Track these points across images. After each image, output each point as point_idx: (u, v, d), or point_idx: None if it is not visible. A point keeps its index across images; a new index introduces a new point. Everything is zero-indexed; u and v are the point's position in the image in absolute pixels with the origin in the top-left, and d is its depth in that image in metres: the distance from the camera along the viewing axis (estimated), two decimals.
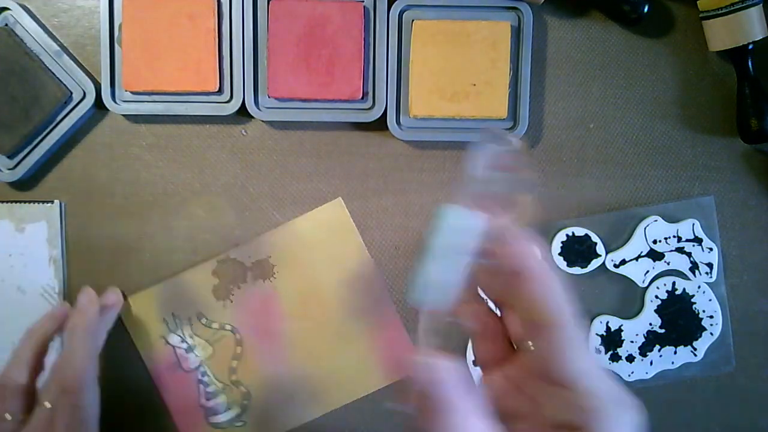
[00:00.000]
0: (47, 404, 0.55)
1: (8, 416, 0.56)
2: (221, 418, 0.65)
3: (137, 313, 0.64)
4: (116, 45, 0.61)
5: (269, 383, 0.65)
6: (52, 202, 0.63)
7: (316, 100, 0.62)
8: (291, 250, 0.64)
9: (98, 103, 0.62)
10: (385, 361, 0.65)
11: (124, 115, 0.63)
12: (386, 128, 0.62)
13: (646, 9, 0.59)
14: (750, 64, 0.60)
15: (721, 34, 0.59)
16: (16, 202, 0.64)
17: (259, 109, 0.62)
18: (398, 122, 0.62)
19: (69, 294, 0.64)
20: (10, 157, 0.62)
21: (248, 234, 0.64)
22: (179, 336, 0.65)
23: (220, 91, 0.61)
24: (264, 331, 0.65)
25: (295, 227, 0.64)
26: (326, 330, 0.65)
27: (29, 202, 0.64)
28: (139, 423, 0.64)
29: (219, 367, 0.65)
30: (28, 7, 0.62)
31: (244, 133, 0.64)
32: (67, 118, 0.61)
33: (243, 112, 0.62)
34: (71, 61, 0.61)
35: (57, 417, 0.54)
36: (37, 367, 0.58)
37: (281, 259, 0.64)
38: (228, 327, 0.65)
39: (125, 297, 0.64)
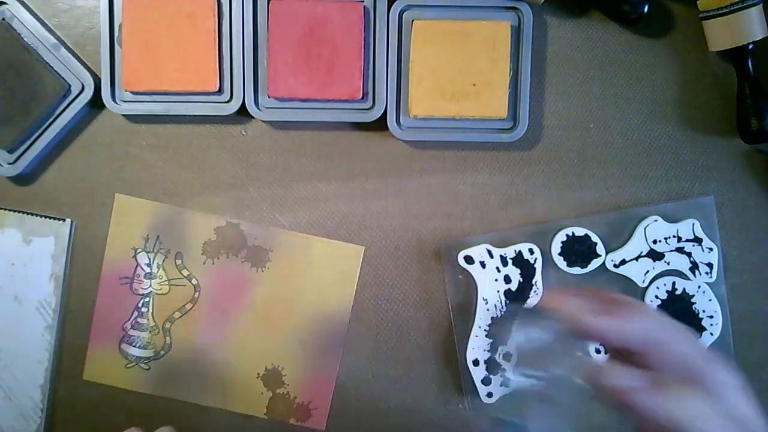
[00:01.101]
0: None
1: None
2: (132, 350, 0.65)
3: (129, 213, 0.64)
4: (116, 45, 0.61)
5: (193, 350, 0.65)
6: (64, 220, 0.63)
7: (316, 100, 0.62)
8: (292, 259, 0.64)
9: (98, 102, 0.61)
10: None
11: (124, 115, 0.63)
12: (386, 128, 0.62)
13: (646, 9, 0.60)
14: (750, 64, 0.60)
15: (721, 34, 0.59)
16: (27, 213, 0.64)
17: (259, 109, 0.62)
18: (398, 122, 0.62)
19: (65, 311, 0.64)
20: (10, 151, 0.62)
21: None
22: (149, 258, 0.64)
23: (220, 91, 0.61)
24: (221, 307, 0.65)
25: (310, 243, 0.64)
26: (271, 341, 0.65)
27: (41, 216, 0.64)
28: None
29: (162, 309, 0.65)
30: (25, 1, 0.62)
31: (245, 133, 0.64)
32: (66, 111, 0.61)
33: (243, 112, 0.62)
34: (69, 54, 0.61)
35: None
36: None
37: (280, 259, 0.64)
38: (194, 281, 0.65)
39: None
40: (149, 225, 0.64)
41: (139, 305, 0.65)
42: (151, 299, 0.64)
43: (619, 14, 0.61)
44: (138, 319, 0.65)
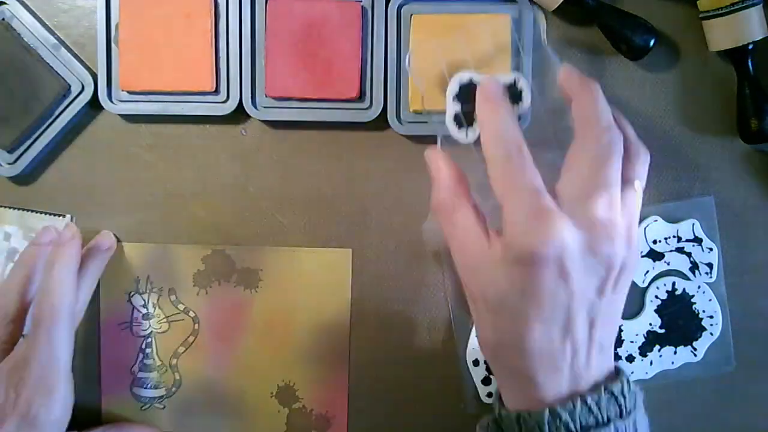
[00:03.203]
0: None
1: None
2: (144, 392, 0.65)
3: (116, 259, 0.64)
4: (113, 45, 0.61)
5: (203, 381, 0.65)
6: (64, 215, 0.64)
7: (313, 100, 0.62)
8: (283, 274, 0.65)
9: (98, 102, 0.62)
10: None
11: (121, 116, 0.63)
12: (386, 128, 0.62)
13: (651, 43, 0.60)
14: (750, 64, 0.59)
15: (721, 34, 0.59)
16: (27, 210, 0.64)
17: (256, 108, 0.62)
18: (398, 117, 0.62)
19: None
20: (10, 151, 0.62)
21: (248, 234, 0.65)
22: (143, 300, 0.65)
23: (217, 90, 0.61)
24: (223, 334, 0.65)
25: (297, 255, 0.64)
26: (278, 359, 0.65)
27: (40, 212, 0.64)
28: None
29: (165, 346, 0.65)
30: (25, 1, 0.62)
31: (245, 133, 0.64)
32: (66, 111, 0.62)
33: (242, 112, 0.62)
34: (69, 54, 0.61)
35: (30, 351, 0.54)
36: (26, 295, 0.58)
37: (270, 277, 0.65)
38: (192, 314, 0.65)
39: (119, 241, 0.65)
40: (137, 267, 0.65)
41: (143, 347, 0.65)
42: (153, 339, 0.65)
43: (626, 49, 0.61)
44: (144, 361, 0.65)
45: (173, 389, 0.66)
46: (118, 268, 0.64)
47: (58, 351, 0.54)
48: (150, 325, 0.65)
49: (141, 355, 0.65)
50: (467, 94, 0.53)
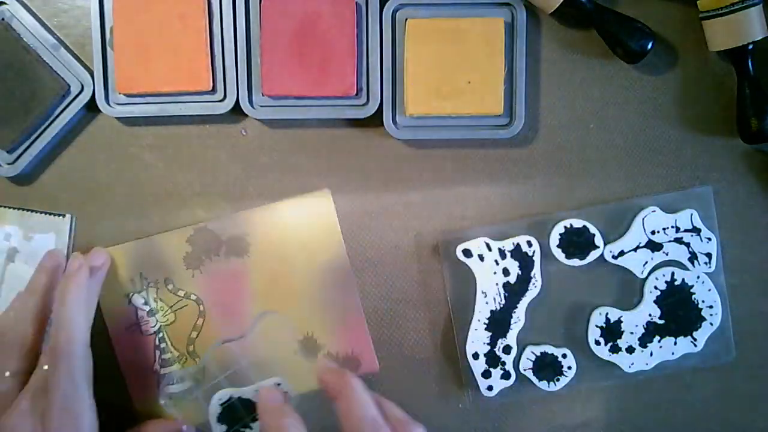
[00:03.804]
0: (46, 367, 0.55)
1: (7, 373, 0.57)
2: (173, 388, 0.65)
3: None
4: (108, 48, 0.61)
5: (225, 361, 0.65)
6: (64, 215, 0.64)
7: (310, 98, 0.62)
8: (269, 232, 0.64)
9: (95, 103, 0.62)
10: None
11: (119, 118, 0.64)
12: (383, 126, 0.62)
13: (649, 46, 0.60)
14: (750, 64, 0.59)
15: (721, 34, 0.59)
16: (27, 210, 0.64)
17: (253, 107, 0.62)
18: (394, 122, 0.62)
19: None
20: (10, 151, 0.62)
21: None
22: (143, 298, 0.65)
23: (213, 90, 0.62)
24: (229, 308, 0.65)
25: (277, 210, 0.64)
26: (290, 316, 0.65)
27: (40, 212, 0.64)
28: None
29: (177, 336, 0.65)
30: (25, 1, 0.62)
31: (244, 133, 0.64)
32: (65, 111, 0.62)
33: (240, 112, 0.62)
34: (69, 55, 0.62)
35: (52, 381, 0.54)
36: (41, 325, 0.59)
37: (258, 238, 0.64)
38: (193, 297, 0.65)
39: None
40: (127, 266, 0.65)
41: (157, 343, 0.65)
42: (164, 332, 0.65)
43: (623, 53, 0.61)
44: (162, 357, 0.65)
45: (198, 377, 0.65)
46: (110, 275, 0.64)
47: (78, 380, 0.55)
48: (157, 320, 0.65)
49: (158, 352, 0.65)
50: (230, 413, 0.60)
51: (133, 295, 0.65)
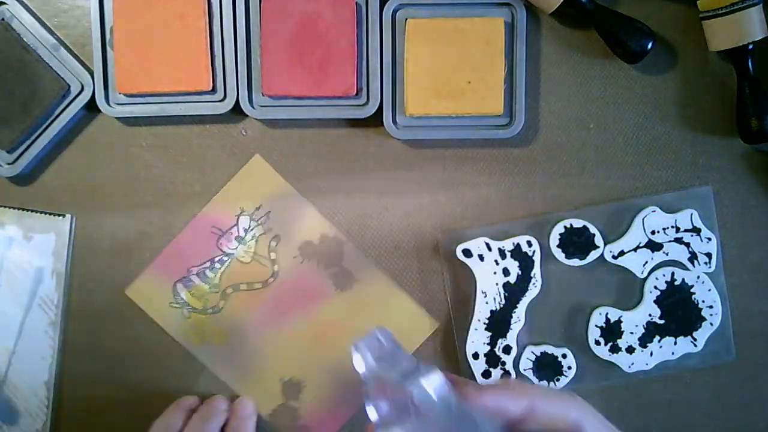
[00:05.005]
0: None
1: None
2: (184, 294, 0.65)
3: (257, 176, 0.64)
4: (108, 48, 0.62)
5: (237, 325, 0.65)
6: (64, 216, 0.64)
7: (310, 98, 0.62)
8: (372, 298, 0.65)
9: (95, 103, 0.62)
10: None
11: (118, 118, 0.64)
12: (383, 126, 0.62)
13: (649, 46, 0.60)
14: (750, 64, 0.59)
15: (721, 34, 0.59)
16: (27, 210, 0.64)
17: (253, 107, 0.62)
18: (395, 121, 0.62)
19: (68, 306, 0.65)
20: (10, 151, 0.62)
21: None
22: (249, 224, 0.64)
23: (213, 90, 0.62)
24: (286, 304, 0.65)
25: (392, 293, 0.65)
26: (311, 358, 0.65)
27: (40, 212, 0.64)
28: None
29: (233, 274, 0.65)
30: (25, 1, 0.62)
31: (244, 133, 0.64)
32: (65, 111, 0.62)
33: (240, 112, 0.62)
34: (68, 55, 0.62)
35: None
36: None
37: (361, 292, 0.65)
38: (276, 267, 0.65)
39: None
40: (267, 196, 0.64)
41: (215, 259, 0.65)
42: (230, 261, 0.64)
43: (623, 53, 0.61)
44: (206, 271, 0.65)
45: (209, 310, 0.65)
46: (252, 184, 0.64)
47: None
48: (237, 248, 0.65)
49: (208, 264, 0.65)
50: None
51: (244, 215, 0.64)
